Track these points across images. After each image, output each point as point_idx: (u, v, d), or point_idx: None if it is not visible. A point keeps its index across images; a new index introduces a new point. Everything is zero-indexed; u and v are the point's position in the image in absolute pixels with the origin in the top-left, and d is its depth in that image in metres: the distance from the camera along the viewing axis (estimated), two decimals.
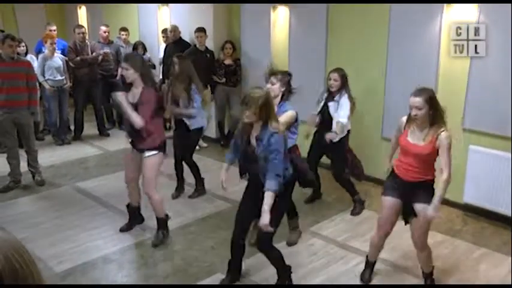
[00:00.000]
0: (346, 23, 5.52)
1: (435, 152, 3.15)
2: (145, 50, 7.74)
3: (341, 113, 4.47)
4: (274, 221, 3.17)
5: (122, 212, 4.77)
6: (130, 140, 4.10)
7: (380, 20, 5.13)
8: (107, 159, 6.50)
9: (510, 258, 3.92)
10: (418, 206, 3.22)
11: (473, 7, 4.42)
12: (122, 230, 4.38)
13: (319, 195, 5.06)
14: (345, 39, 5.56)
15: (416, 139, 3.19)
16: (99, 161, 6.47)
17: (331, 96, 4.61)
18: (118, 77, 7.68)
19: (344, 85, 4.55)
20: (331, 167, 4.86)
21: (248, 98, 3.06)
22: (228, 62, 6.70)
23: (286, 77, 3.94)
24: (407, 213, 3.34)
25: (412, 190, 3.23)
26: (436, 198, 3.13)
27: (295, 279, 3.59)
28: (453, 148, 4.40)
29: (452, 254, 4.03)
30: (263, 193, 3.09)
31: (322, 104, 4.69)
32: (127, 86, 3.95)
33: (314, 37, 5.82)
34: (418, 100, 3.08)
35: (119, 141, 7.26)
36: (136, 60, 3.95)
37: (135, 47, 7.68)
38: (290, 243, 4.13)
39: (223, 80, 6.65)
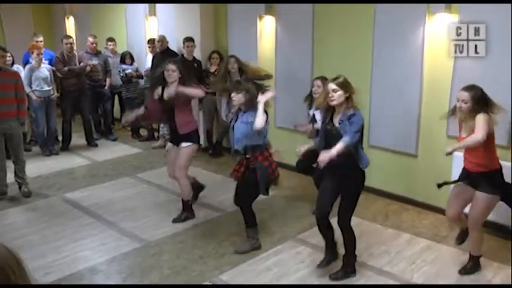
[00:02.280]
0: (331, 32, 5.59)
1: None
2: (132, 60, 7.76)
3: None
4: (351, 203, 3.60)
5: (109, 223, 4.77)
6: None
7: (365, 28, 5.21)
8: (95, 170, 6.48)
9: (495, 263, 3.98)
10: (477, 193, 3.58)
11: (454, 16, 4.52)
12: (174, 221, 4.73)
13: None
14: (330, 48, 5.64)
15: (466, 132, 3.54)
16: (87, 172, 6.45)
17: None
18: (107, 87, 7.71)
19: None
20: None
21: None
22: (214, 70, 6.75)
23: (248, 85, 4.04)
24: None
25: (476, 179, 3.59)
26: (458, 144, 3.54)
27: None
28: (439, 154, 4.48)
29: (438, 259, 4.07)
30: (343, 175, 3.51)
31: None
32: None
33: (300, 46, 5.89)
34: (465, 94, 3.45)
35: (107, 152, 7.27)
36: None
37: (122, 57, 7.70)
38: (239, 252, 4.13)
39: (211, 89, 6.69)
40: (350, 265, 3.77)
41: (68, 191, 5.65)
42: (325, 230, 3.74)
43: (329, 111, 3.61)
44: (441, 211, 4.86)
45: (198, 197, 5.10)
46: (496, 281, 3.76)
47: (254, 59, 6.47)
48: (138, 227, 4.68)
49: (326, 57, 5.69)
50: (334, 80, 3.53)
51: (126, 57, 7.66)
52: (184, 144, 4.59)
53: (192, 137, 4.64)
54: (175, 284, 3.75)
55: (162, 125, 7.28)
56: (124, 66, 7.58)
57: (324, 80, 4.73)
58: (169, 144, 4.87)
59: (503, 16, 4.20)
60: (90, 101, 7.50)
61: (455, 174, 4.59)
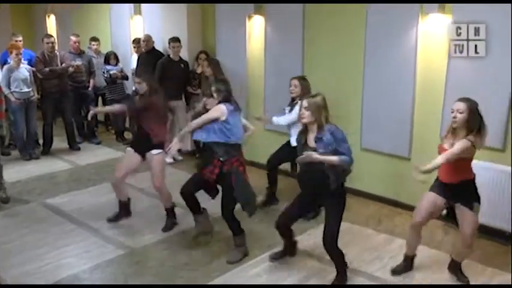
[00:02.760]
0: (322, 32, 5.61)
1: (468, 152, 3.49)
2: (117, 60, 7.70)
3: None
4: (337, 221, 3.61)
5: (92, 229, 4.72)
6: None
7: (356, 28, 5.24)
8: (78, 174, 6.41)
9: (489, 268, 4.02)
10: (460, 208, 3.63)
11: (447, 16, 4.56)
12: (109, 220, 4.82)
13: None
14: (321, 49, 5.65)
15: (449, 146, 3.54)
16: (69, 176, 6.38)
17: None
18: (90, 88, 7.65)
19: (305, 93, 4.61)
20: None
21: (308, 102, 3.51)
22: (201, 71, 6.73)
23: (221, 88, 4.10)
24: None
25: (454, 190, 3.61)
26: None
27: None
28: (432, 157, 4.49)
29: (433, 264, 4.09)
30: (318, 193, 3.58)
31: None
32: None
33: (290, 47, 5.90)
34: (461, 104, 3.47)
35: (90, 156, 7.20)
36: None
37: (107, 57, 7.64)
38: (230, 262, 4.08)
39: (198, 90, 6.67)
40: (342, 275, 3.77)
41: (49, 196, 5.58)
42: (286, 233, 4.00)
43: (303, 132, 3.64)
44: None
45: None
46: None
47: (243, 59, 6.48)
48: (122, 233, 4.64)
49: (317, 58, 5.71)
50: (310, 97, 3.62)
51: (111, 58, 7.61)
52: (155, 151, 4.55)
53: (160, 147, 4.58)
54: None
55: None
56: (108, 67, 7.52)
57: (301, 80, 4.87)
58: (128, 148, 4.77)
59: (499, 16, 4.26)
60: (72, 103, 7.43)
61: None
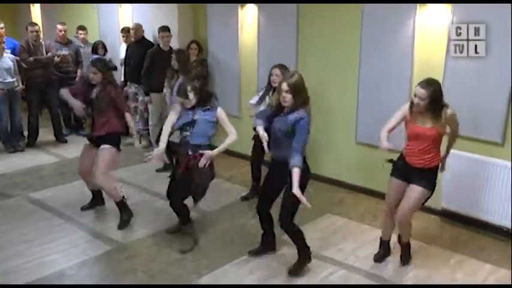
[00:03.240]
0: (317, 23, 5.57)
1: (440, 136, 3.63)
2: (105, 50, 7.62)
3: None
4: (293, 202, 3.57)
5: (80, 224, 4.67)
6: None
7: (352, 20, 5.20)
8: (64, 167, 6.35)
9: (487, 264, 4.03)
10: (413, 186, 3.71)
11: (447, 8, 4.54)
12: (82, 209, 4.92)
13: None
14: (316, 40, 5.61)
15: (422, 123, 3.61)
16: (56, 169, 6.31)
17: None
18: (77, 78, 7.56)
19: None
20: None
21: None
22: (192, 61, 6.67)
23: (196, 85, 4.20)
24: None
25: (417, 174, 3.70)
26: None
27: None
28: None
29: (429, 261, 4.09)
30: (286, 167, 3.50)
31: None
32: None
33: (284, 37, 5.86)
34: (422, 92, 3.49)
35: (77, 148, 7.09)
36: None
37: (94, 47, 7.56)
38: (183, 251, 4.17)
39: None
40: (305, 255, 3.87)
41: (34, 190, 5.52)
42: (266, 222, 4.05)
43: (278, 109, 3.65)
44: (432, 211, 4.91)
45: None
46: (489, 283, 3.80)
47: (235, 50, 6.42)
48: (111, 228, 4.59)
49: (311, 49, 5.67)
50: (288, 78, 3.55)
51: (99, 47, 7.53)
52: (102, 146, 4.55)
53: (110, 139, 4.57)
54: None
55: (137, 120, 7.17)
56: (95, 57, 7.43)
57: (283, 68, 4.83)
58: (86, 143, 4.84)
59: (497, 14, 4.24)
60: (58, 94, 7.33)
61: (446, 174, 4.66)
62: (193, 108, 4.15)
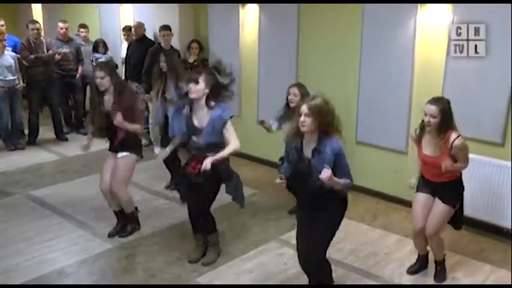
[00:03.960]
0: (318, 23, 5.57)
1: (452, 158, 3.47)
2: (106, 48, 7.63)
3: None
4: (329, 233, 3.24)
5: (80, 222, 4.69)
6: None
7: (353, 20, 5.20)
8: (65, 166, 6.36)
9: (486, 265, 4.03)
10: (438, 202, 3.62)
11: (447, 8, 4.54)
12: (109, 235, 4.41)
13: None
14: (316, 39, 5.62)
15: (431, 151, 3.52)
16: (56, 167, 6.32)
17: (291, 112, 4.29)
18: (78, 76, 7.57)
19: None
20: None
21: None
22: (193, 61, 6.68)
23: (211, 75, 3.71)
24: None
25: (441, 189, 3.60)
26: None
27: None
28: None
29: (429, 261, 4.10)
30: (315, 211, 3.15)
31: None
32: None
33: (285, 37, 5.86)
34: (433, 108, 3.40)
35: (78, 146, 7.07)
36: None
37: (95, 45, 7.58)
38: (205, 263, 3.97)
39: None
40: None
41: (34, 188, 5.53)
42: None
43: (297, 134, 3.12)
44: None
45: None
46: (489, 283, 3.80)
47: (236, 49, 6.43)
48: (111, 226, 4.59)
49: (312, 49, 5.67)
50: (310, 100, 3.06)
51: (99, 46, 7.54)
52: (121, 154, 4.22)
53: (131, 145, 4.24)
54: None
55: None
56: (97, 55, 7.46)
57: (301, 88, 4.50)
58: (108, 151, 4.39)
59: (497, 14, 4.25)
60: (59, 92, 7.36)
61: None
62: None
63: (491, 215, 4.49)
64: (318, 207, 3.15)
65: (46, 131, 7.49)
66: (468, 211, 4.60)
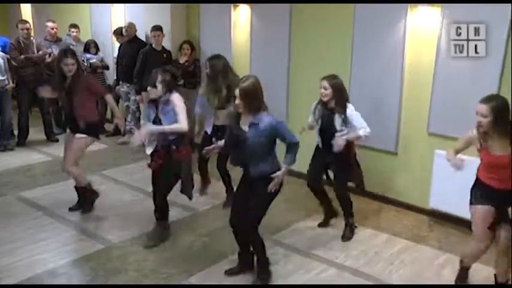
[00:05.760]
0: (309, 23, 5.64)
1: None
2: (97, 49, 7.65)
3: (361, 122, 4.26)
4: (262, 207, 3.59)
5: (71, 223, 4.71)
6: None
7: (344, 21, 5.28)
8: (56, 166, 6.31)
9: (475, 263, 4.11)
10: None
11: (436, 9, 4.63)
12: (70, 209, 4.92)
13: (334, 214, 4.76)
14: (308, 40, 5.68)
15: (498, 150, 3.29)
16: (47, 168, 6.32)
17: (325, 106, 4.38)
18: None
19: (339, 95, 4.31)
20: (333, 182, 4.59)
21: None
22: (184, 61, 6.72)
23: (166, 75, 4.11)
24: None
25: (506, 196, 3.36)
26: None
27: None
28: (419, 152, 4.54)
29: (417, 260, 4.18)
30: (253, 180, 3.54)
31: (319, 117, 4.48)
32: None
33: (277, 38, 5.92)
34: (484, 107, 3.21)
35: None
36: None
37: (87, 46, 7.58)
38: (147, 246, 4.29)
39: (181, 81, 6.67)
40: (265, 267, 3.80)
41: (25, 189, 5.54)
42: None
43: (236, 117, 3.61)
44: (421, 211, 5.01)
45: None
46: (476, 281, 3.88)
47: (228, 50, 6.47)
48: (103, 227, 4.63)
49: (304, 50, 5.74)
50: (241, 82, 3.52)
51: (91, 46, 7.55)
52: (78, 135, 4.68)
53: (89, 129, 4.72)
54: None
55: (129, 119, 7.22)
56: (88, 56, 7.47)
57: (331, 79, 4.40)
58: (68, 130, 4.90)
59: (487, 14, 4.33)
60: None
61: (436, 172, 4.74)
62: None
63: None
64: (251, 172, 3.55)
65: (36, 132, 7.48)
66: (456, 210, 4.71)
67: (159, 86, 4.06)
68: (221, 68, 4.79)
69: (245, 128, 3.49)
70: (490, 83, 4.39)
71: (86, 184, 4.91)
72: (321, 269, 3.98)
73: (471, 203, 3.51)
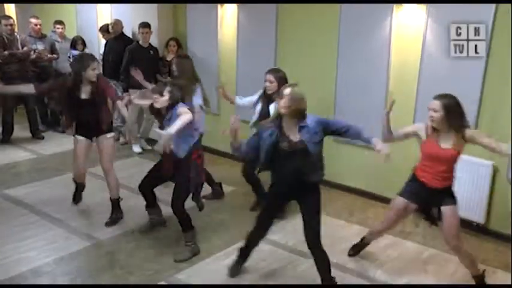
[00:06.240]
0: (296, 22, 5.66)
1: (458, 155, 3.49)
2: (84, 45, 7.60)
3: None
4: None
5: (57, 221, 4.68)
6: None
7: (330, 19, 5.31)
8: (42, 164, 6.33)
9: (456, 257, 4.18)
10: (445, 209, 3.55)
11: (421, 8, 4.68)
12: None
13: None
14: (295, 39, 5.71)
15: (445, 144, 3.48)
16: (32, 166, 6.28)
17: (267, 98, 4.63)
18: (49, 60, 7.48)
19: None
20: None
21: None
22: (171, 59, 6.70)
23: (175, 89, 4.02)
24: (433, 218, 3.70)
25: (438, 195, 3.57)
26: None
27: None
28: (404, 149, 4.59)
29: (402, 255, 4.24)
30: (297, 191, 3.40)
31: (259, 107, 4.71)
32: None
33: (263, 35, 5.94)
34: (436, 103, 3.43)
35: (54, 145, 7.10)
36: None
37: (73, 42, 7.53)
38: (177, 260, 4.03)
39: (168, 78, 6.65)
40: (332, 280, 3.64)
41: (9, 187, 5.49)
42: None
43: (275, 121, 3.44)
44: None
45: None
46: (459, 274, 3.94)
47: (214, 47, 6.48)
48: (89, 224, 4.62)
49: (290, 48, 5.76)
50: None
51: (78, 43, 7.50)
52: (109, 134, 4.65)
53: (110, 126, 4.75)
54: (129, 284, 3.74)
55: (115, 116, 7.18)
56: (74, 52, 7.42)
57: (276, 72, 4.67)
58: (79, 137, 4.63)
59: (473, 12, 4.39)
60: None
61: None
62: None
63: (463, 211, 4.63)
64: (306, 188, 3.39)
65: (21, 130, 7.42)
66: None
67: (166, 96, 3.93)
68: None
69: (292, 135, 3.29)
70: (474, 80, 4.46)
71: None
72: (308, 265, 3.98)
73: (399, 192, 3.75)
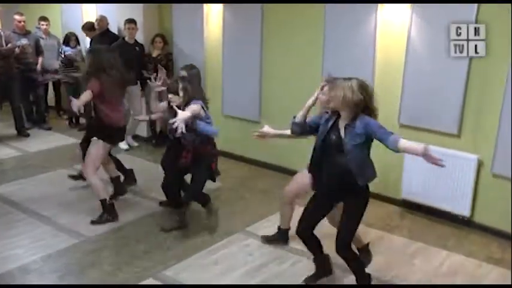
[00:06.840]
0: (281, 21, 5.67)
1: None
2: (78, 42, 7.54)
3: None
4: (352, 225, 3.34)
5: (44, 218, 4.65)
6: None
7: (315, 17, 5.33)
8: (27, 161, 6.27)
9: (443, 251, 4.25)
10: None
11: (406, 6, 4.72)
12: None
13: None
14: (280, 37, 5.72)
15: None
16: (18, 163, 6.22)
17: None
18: (39, 67, 7.43)
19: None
20: None
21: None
22: (157, 55, 6.69)
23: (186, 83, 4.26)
24: None
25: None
26: None
27: (230, 280, 3.72)
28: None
29: (389, 249, 4.28)
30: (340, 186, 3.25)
31: None
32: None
33: (249, 32, 5.93)
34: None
35: (40, 142, 7.04)
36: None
37: (67, 39, 7.46)
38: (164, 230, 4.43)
39: (154, 75, 6.62)
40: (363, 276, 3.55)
41: None
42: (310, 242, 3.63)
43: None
44: (393, 201, 5.12)
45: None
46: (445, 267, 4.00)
47: (200, 43, 6.47)
48: (77, 221, 4.59)
49: (276, 46, 5.78)
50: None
51: (71, 39, 7.44)
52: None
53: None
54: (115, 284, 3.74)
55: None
56: (66, 49, 7.37)
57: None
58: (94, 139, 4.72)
59: (461, 11, 4.44)
60: (19, 87, 7.22)
61: (407, 163, 4.85)
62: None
63: (447, 204, 4.71)
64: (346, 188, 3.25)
65: (6, 127, 7.35)
66: (426, 200, 4.85)
67: (181, 93, 4.18)
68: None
69: (342, 130, 3.24)
70: (458, 76, 4.51)
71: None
72: (294, 260, 4.03)
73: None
